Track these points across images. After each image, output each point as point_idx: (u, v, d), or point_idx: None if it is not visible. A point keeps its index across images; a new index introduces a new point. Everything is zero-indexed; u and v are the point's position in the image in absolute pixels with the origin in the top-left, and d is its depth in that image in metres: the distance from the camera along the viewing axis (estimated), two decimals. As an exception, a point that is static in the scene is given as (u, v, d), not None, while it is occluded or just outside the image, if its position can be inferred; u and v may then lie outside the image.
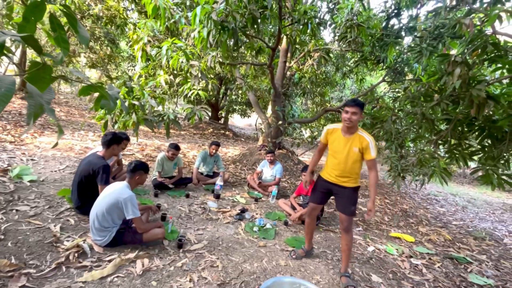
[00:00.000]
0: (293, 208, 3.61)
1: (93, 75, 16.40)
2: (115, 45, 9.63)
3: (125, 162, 4.45)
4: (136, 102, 3.35)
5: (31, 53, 10.18)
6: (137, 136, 3.60)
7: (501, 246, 3.95)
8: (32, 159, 3.83)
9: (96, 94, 1.30)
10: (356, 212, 2.21)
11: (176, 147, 3.87)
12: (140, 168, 2.33)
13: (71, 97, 12.84)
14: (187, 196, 3.65)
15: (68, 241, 2.13)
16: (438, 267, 2.89)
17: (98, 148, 2.90)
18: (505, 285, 2.74)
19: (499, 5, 3.27)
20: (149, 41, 4.36)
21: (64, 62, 9.77)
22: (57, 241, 2.09)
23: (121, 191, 2.16)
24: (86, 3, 7.16)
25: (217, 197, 3.78)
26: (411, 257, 3.00)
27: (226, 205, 3.62)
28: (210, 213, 3.23)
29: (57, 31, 1.10)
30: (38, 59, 1.16)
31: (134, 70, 11.17)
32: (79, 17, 7.68)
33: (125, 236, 2.21)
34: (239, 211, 3.36)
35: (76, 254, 1.96)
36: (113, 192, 2.16)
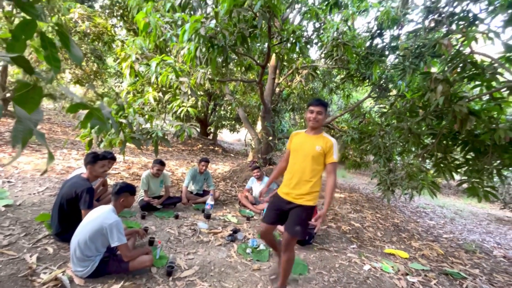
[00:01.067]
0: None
1: (78, 91, 16.07)
2: (102, 61, 9.54)
3: (111, 182, 4.26)
4: (124, 120, 3.25)
5: (13, 69, 9.88)
6: (123, 154, 3.47)
7: (491, 259, 3.98)
8: (8, 181, 3.60)
9: (83, 111, 1.24)
10: (301, 235, 2.00)
11: (161, 163, 3.74)
12: (126, 190, 2.21)
13: (54, 113, 12.44)
14: (176, 217, 3.49)
15: (45, 273, 1.94)
16: (435, 284, 2.85)
17: (81, 169, 2.75)
18: (500, 300, 2.73)
19: (474, 27, 3.48)
20: (137, 59, 4.32)
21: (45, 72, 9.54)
22: (33, 274, 1.91)
23: (106, 216, 2.02)
24: (73, 20, 7.10)
25: (208, 217, 3.65)
26: (407, 274, 2.95)
27: (217, 225, 3.49)
28: (200, 235, 3.09)
29: (48, 49, 1.05)
30: (22, 76, 1.10)
31: (121, 86, 11.03)
32: (65, 33, 7.58)
33: (110, 266, 2.05)
34: (231, 232, 3.23)
35: (54, 288, 1.79)
36: (97, 217, 2.03)
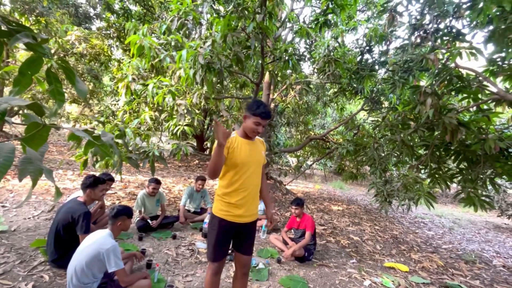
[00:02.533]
0: (285, 243, 3.51)
1: (74, 109, 16.11)
2: (98, 81, 9.65)
3: (107, 202, 4.22)
4: (120, 141, 3.28)
5: (7, 91, 9.91)
6: (120, 174, 3.47)
7: (491, 269, 3.98)
8: (3, 206, 3.55)
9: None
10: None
11: (156, 181, 3.73)
12: (123, 213, 2.20)
13: (50, 132, 12.39)
14: (174, 237, 3.46)
15: (41, 302, 1.91)
16: (436, 297, 2.83)
17: (77, 192, 2.75)
18: (502, 312, 2.71)
19: (457, 42, 3.65)
20: (133, 79, 4.41)
21: (44, 99, 9.59)
22: (28, 304, 1.87)
23: (103, 241, 2.01)
24: (70, 42, 7.24)
25: (206, 236, 3.62)
26: (407, 288, 2.93)
27: (216, 244, 3.45)
28: (199, 255, 3.06)
29: (53, 84, 1.10)
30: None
31: (117, 104, 11.11)
32: (62, 55, 7.72)
33: (107, 292, 2.02)
34: (230, 251, 3.20)
35: (49, 319, 1.75)
36: (94, 242, 2.01)
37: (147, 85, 3.96)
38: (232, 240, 1.89)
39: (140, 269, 2.58)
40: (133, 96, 4.93)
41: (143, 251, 2.87)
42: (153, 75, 4.81)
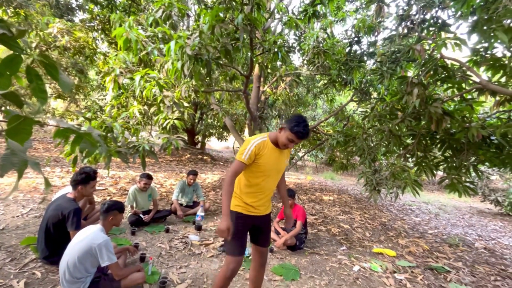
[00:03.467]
0: (277, 233, 3.57)
1: (59, 105, 15.66)
2: (84, 75, 9.38)
3: (98, 199, 4.18)
4: (108, 135, 3.23)
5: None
6: (108, 170, 3.43)
7: (473, 251, 4.18)
8: (-11, 205, 3.48)
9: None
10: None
11: (148, 176, 3.72)
12: (114, 208, 2.20)
13: (35, 129, 12.04)
14: (167, 231, 3.47)
15: (33, 298, 1.91)
16: (421, 279, 2.97)
17: (66, 188, 2.71)
18: (482, 291, 2.87)
19: (443, 32, 3.72)
20: (121, 73, 4.31)
21: (28, 94, 9.27)
22: (21, 301, 1.87)
23: (95, 236, 2.01)
24: (52, 35, 6.97)
25: (199, 229, 3.65)
26: (394, 272, 3.06)
27: (209, 236, 3.49)
28: (192, 248, 3.10)
29: (34, 82, 1.06)
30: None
31: (105, 99, 10.86)
32: (44, 48, 7.44)
33: (101, 286, 2.03)
34: (223, 242, 3.25)
35: (43, 314, 1.76)
36: (86, 237, 2.01)
37: (135, 78, 3.88)
38: (249, 233, 1.94)
39: (134, 263, 2.60)
40: (121, 91, 4.83)
41: (136, 245, 2.88)
42: (140, 69, 4.71)
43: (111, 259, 1.97)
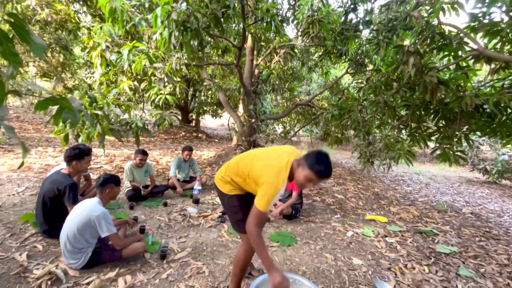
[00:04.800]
0: (274, 203, 3.67)
1: (46, 85, 15.11)
2: (69, 52, 8.95)
3: (94, 176, 4.18)
4: (100, 112, 3.15)
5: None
6: (103, 147, 3.40)
7: (460, 216, 4.38)
8: (-17, 184, 3.45)
9: (55, 107, 1.20)
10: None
11: (143, 152, 3.72)
12: (110, 181, 2.21)
13: (22, 111, 11.71)
14: (165, 204, 3.53)
15: (37, 269, 1.96)
16: (410, 242, 3.13)
17: (61, 165, 2.69)
18: (467, 250, 3.05)
19: (441, -2, 3.58)
20: (107, 47, 4.12)
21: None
22: (25, 271, 1.91)
23: (93, 208, 2.03)
24: (31, 8, 6.54)
25: (196, 202, 3.72)
26: (386, 236, 3.21)
27: (207, 209, 3.57)
28: (191, 219, 3.17)
29: (3, 44, 0.99)
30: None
31: (93, 77, 10.48)
32: (23, 23, 7.00)
33: (103, 255, 2.09)
34: (220, 213, 3.33)
35: (49, 282, 1.81)
36: (84, 210, 2.03)
37: (122, 52, 3.72)
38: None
39: (134, 235, 2.66)
40: (109, 67, 4.65)
41: (135, 218, 2.94)
42: (128, 42, 4.50)
43: (110, 230, 2.01)
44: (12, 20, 0.99)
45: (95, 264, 2.07)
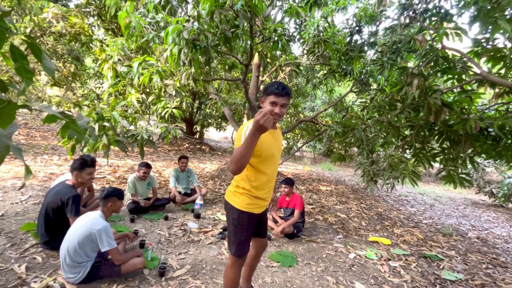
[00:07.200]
0: (275, 221, 3.62)
1: (56, 93, 15.46)
2: (80, 62, 9.23)
3: (97, 187, 4.20)
4: (107, 124, 3.21)
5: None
6: (107, 158, 3.43)
7: (466, 240, 4.27)
8: (-13, 191, 3.48)
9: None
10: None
11: (147, 165, 3.74)
12: (113, 194, 2.22)
13: (31, 117, 11.93)
14: (166, 218, 3.51)
15: (35, 282, 1.94)
16: (414, 267, 3.04)
17: (66, 175, 2.71)
18: (473, 278, 2.95)
19: (445, 23, 3.67)
20: (119, 60, 4.25)
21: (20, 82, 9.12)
22: (23, 284, 1.90)
23: (94, 221, 2.03)
24: (47, 20, 6.81)
25: (198, 216, 3.69)
26: (389, 260, 3.13)
27: (207, 224, 3.54)
28: (191, 235, 3.14)
29: (18, 61, 1.05)
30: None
31: (102, 87, 10.73)
32: (39, 34, 7.28)
33: (101, 270, 2.07)
34: (221, 230, 3.30)
35: (45, 297, 1.79)
36: (85, 223, 2.03)
37: (133, 65, 3.83)
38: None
39: (134, 249, 2.63)
40: (119, 79, 4.77)
41: (136, 232, 2.92)
42: (139, 56, 4.64)
43: (110, 244, 2.00)
44: (30, 41, 1.05)
45: (93, 279, 2.04)
